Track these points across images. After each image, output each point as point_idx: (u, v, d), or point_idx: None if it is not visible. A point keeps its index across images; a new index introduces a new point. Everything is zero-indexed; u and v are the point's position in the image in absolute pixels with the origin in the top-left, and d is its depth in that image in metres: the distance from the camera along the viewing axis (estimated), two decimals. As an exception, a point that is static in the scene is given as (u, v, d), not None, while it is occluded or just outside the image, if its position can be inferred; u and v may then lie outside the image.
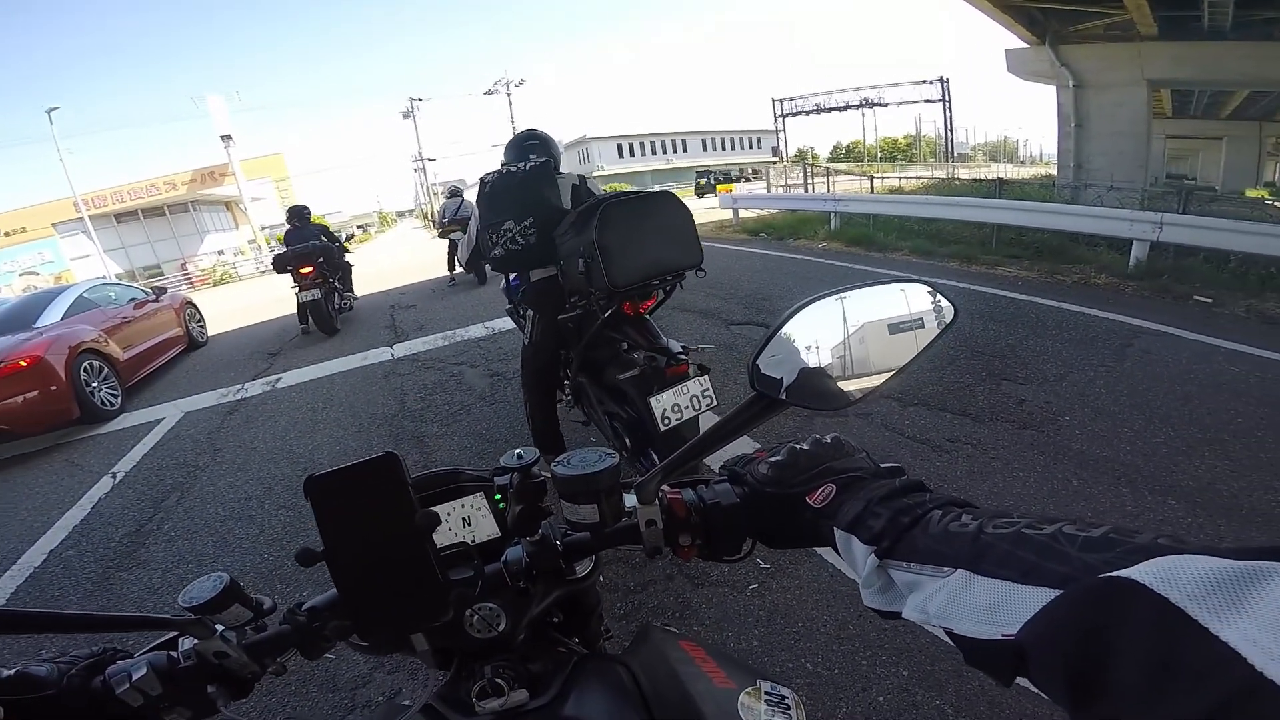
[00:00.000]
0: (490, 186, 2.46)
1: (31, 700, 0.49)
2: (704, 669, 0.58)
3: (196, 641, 0.55)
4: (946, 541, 0.37)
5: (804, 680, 1.70)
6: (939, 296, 0.51)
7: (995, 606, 0.31)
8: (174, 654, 0.55)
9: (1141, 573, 0.25)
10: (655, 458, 2.36)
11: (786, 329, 0.47)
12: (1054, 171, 15.44)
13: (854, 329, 0.49)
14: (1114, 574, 0.27)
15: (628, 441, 2.47)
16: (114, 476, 3.97)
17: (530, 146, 2.62)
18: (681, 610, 2.01)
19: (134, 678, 0.52)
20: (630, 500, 0.59)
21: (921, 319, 0.51)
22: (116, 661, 0.55)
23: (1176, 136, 12.19)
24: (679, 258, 2.27)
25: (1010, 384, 3.46)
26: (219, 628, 0.55)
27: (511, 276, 3.02)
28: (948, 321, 0.51)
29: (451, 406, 4.17)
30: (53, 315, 5.73)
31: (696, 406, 2.23)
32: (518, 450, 0.63)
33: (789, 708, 0.54)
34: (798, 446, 0.55)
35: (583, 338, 2.43)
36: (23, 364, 4.75)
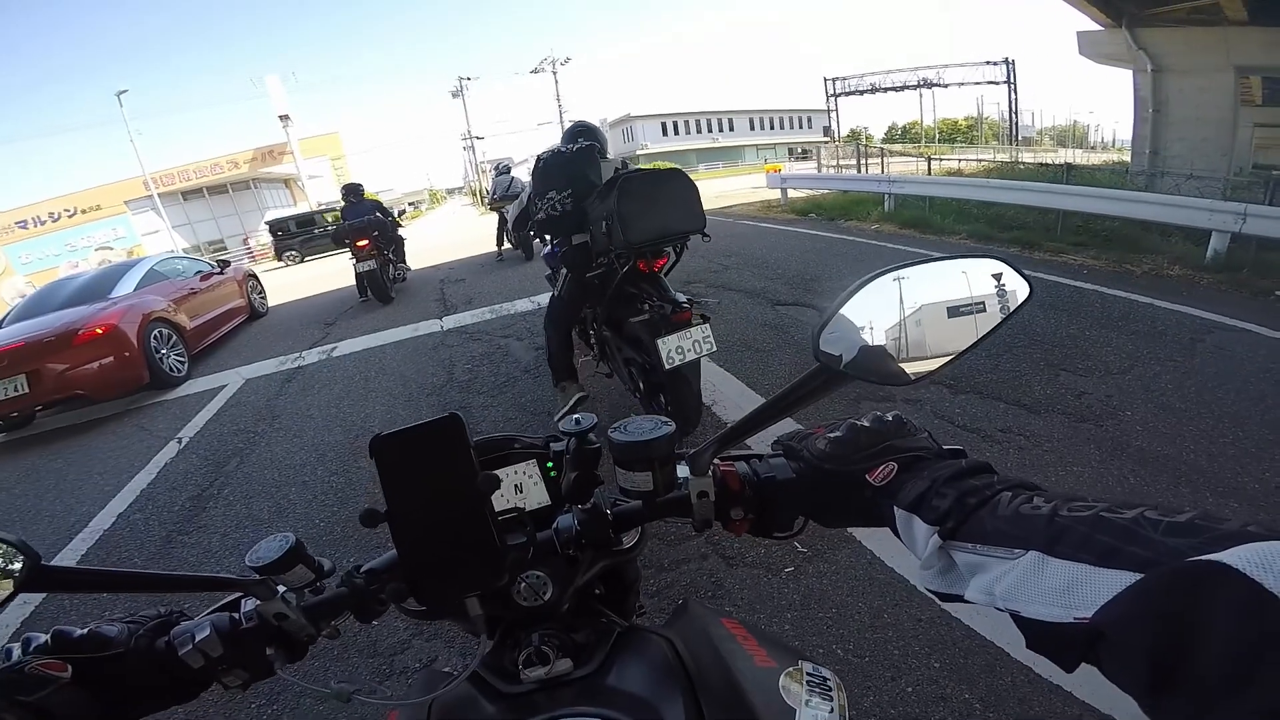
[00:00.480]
0: (543, 162, 3.00)
1: (100, 659, 0.51)
2: (745, 646, 0.58)
3: (258, 603, 0.56)
4: (1017, 523, 0.36)
5: (834, 666, 1.68)
6: (1010, 274, 0.49)
7: (1069, 589, 0.31)
8: (235, 615, 0.57)
9: (1234, 557, 0.25)
10: (664, 399, 2.78)
11: (847, 307, 0.45)
12: (1127, 158, 14.64)
13: (912, 310, 0.47)
14: (1204, 557, 0.26)
15: (641, 385, 2.95)
16: (179, 441, 4.20)
17: (580, 133, 3.11)
18: (715, 590, 2.02)
19: (197, 639, 0.54)
20: (683, 471, 0.58)
21: (984, 303, 0.48)
22: (179, 624, 0.57)
23: (1267, 125, 11.29)
24: (684, 223, 2.68)
25: (1069, 375, 3.32)
26: (281, 589, 0.56)
27: (554, 244, 3.41)
28: (1018, 302, 0.48)
29: (498, 378, 4.26)
30: (126, 286, 6.06)
31: (698, 350, 2.57)
32: (575, 415, 0.62)
33: (830, 690, 0.54)
34: (859, 423, 0.54)
35: (606, 292, 2.82)
36: (99, 331, 5.06)
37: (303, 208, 31.81)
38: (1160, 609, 0.26)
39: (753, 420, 0.52)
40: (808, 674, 0.55)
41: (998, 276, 0.49)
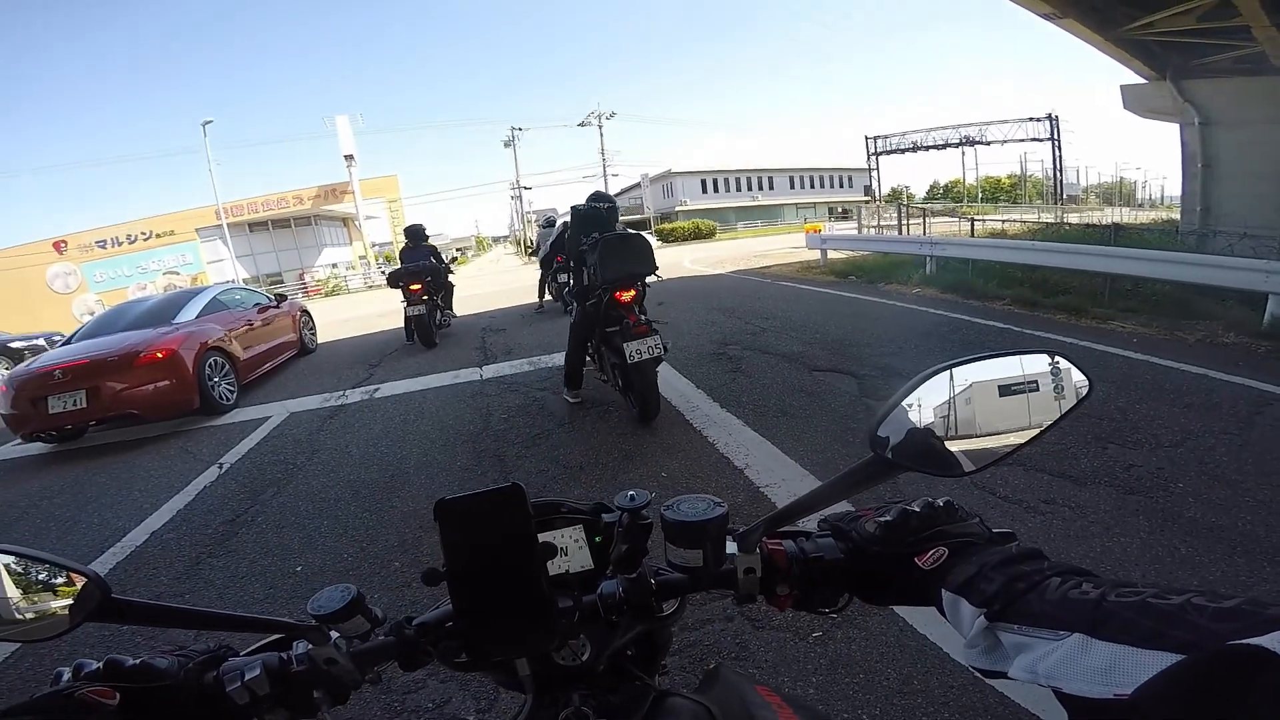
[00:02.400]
0: (584, 213, 4.52)
1: (148, 690, 0.52)
2: (780, 716, 0.58)
3: (310, 646, 0.57)
4: (1065, 607, 0.37)
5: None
6: (1069, 366, 0.49)
7: (1111, 669, 0.31)
8: (284, 656, 0.58)
9: (1273, 641, 0.25)
10: (631, 398, 4.07)
11: (907, 400, 0.46)
12: (1177, 216, 14.24)
13: (961, 389, 0.47)
14: (1243, 641, 0.26)
15: (620, 381, 4.18)
16: (220, 467, 4.34)
17: (603, 197, 4.73)
18: (739, 652, 1.97)
19: (246, 677, 0.55)
20: (730, 547, 0.60)
21: (1036, 382, 0.49)
22: (229, 659, 0.58)
23: None
24: (641, 267, 4.02)
25: (1118, 448, 3.20)
26: (334, 634, 0.58)
27: (567, 291, 5.13)
28: (1079, 396, 0.48)
29: (532, 430, 4.30)
30: (189, 313, 6.39)
31: (652, 351, 3.77)
32: (630, 492, 0.64)
33: None
34: (909, 508, 0.55)
35: (599, 315, 4.02)
36: (159, 355, 5.35)
37: (358, 248, 33.18)
38: (1198, 690, 0.27)
39: (804, 504, 0.53)
40: None
41: (1054, 366, 0.49)
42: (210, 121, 28.68)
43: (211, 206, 28.46)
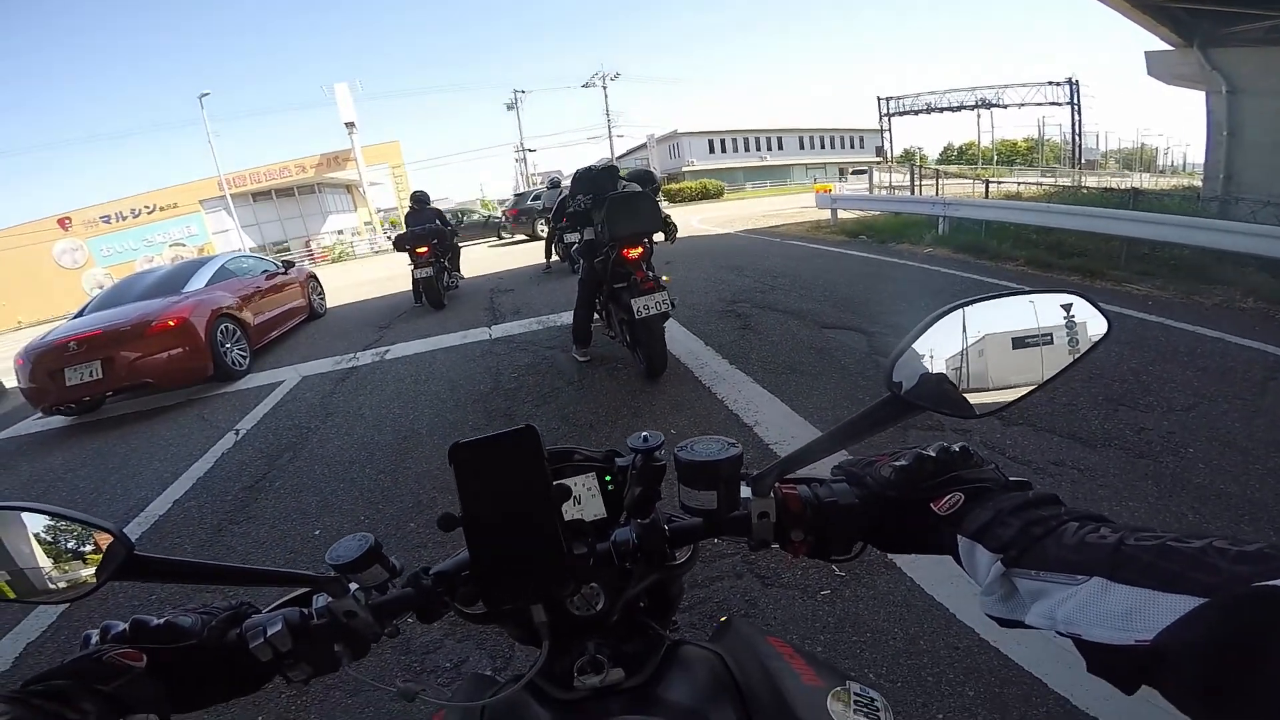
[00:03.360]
0: (578, 175, 4.67)
1: (175, 649, 0.52)
2: (793, 665, 0.58)
3: (330, 600, 0.57)
4: (1081, 551, 0.36)
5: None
6: (1084, 306, 0.48)
7: (1131, 613, 0.31)
8: (306, 611, 0.58)
9: None
10: (639, 354, 4.16)
11: (921, 340, 0.45)
12: (1198, 182, 13.96)
13: (974, 340, 0.46)
14: (1269, 583, 0.26)
15: (628, 337, 4.29)
16: (237, 433, 4.40)
17: (605, 163, 4.75)
18: (748, 609, 2.01)
19: (269, 632, 0.55)
20: (745, 492, 0.59)
21: (1050, 334, 0.48)
22: (251, 616, 0.58)
23: None
24: (647, 225, 4.06)
25: (1129, 410, 3.18)
26: (353, 587, 0.58)
27: (574, 249, 5.19)
28: (1095, 337, 0.48)
29: (542, 388, 4.34)
30: (198, 282, 6.43)
31: (660, 307, 3.82)
32: (644, 433, 0.63)
33: (878, 710, 0.54)
34: (924, 452, 0.54)
35: (607, 272, 4.04)
36: (171, 324, 5.39)
37: (363, 214, 33.01)
38: (1222, 632, 0.27)
39: (819, 446, 0.53)
40: (855, 694, 0.55)
41: (1068, 309, 0.48)
42: (207, 94, 28.57)
43: (214, 178, 28.36)
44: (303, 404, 4.84)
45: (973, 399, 0.46)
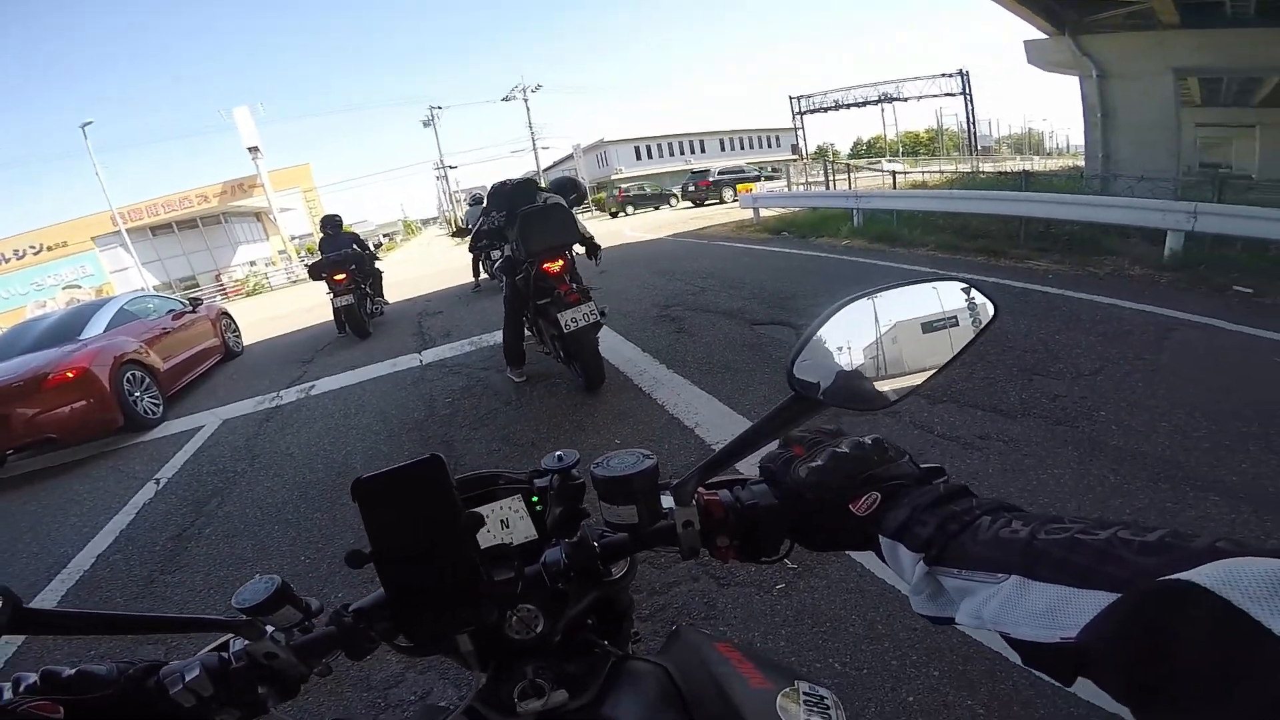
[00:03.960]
0: (492, 190, 4.69)
1: (90, 700, 0.51)
2: (740, 670, 0.58)
3: (247, 643, 0.56)
4: (998, 547, 0.37)
5: (832, 680, 1.69)
6: (977, 294, 0.50)
7: (1053, 610, 0.32)
8: (225, 655, 0.57)
9: (1201, 575, 0.26)
10: (575, 367, 4.09)
11: (821, 332, 0.46)
12: (1081, 163, 15.07)
13: (887, 329, 0.47)
14: (1174, 577, 0.27)
15: (561, 352, 4.17)
16: (157, 482, 4.11)
17: (524, 179, 4.67)
18: (708, 611, 2.02)
19: (187, 679, 0.54)
20: (668, 501, 0.58)
21: (956, 317, 0.49)
22: (168, 664, 0.56)
23: (1208, 125, 11.65)
24: (563, 237, 3.96)
25: (1043, 379, 3.39)
26: (269, 629, 0.56)
27: (495, 265, 5.09)
28: (986, 320, 0.49)
29: (479, 411, 4.23)
30: (96, 327, 5.94)
31: (587, 319, 3.76)
32: (558, 452, 0.63)
33: (828, 708, 0.54)
34: (838, 450, 0.53)
35: (530, 289, 3.97)
36: (70, 375, 4.95)
37: (276, 242, 31.49)
38: (1137, 627, 0.27)
39: (731, 451, 0.52)
40: (804, 693, 0.55)
41: (967, 293, 0.50)
42: (90, 123, 26.42)
43: (106, 213, 26.39)
44: (226, 448, 4.55)
45: (885, 386, 0.47)
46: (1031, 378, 3.42)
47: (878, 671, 1.70)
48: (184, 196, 28.75)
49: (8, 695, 0.50)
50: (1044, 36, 12.89)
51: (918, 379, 0.48)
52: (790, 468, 0.56)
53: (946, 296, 0.50)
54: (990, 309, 0.49)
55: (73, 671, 0.51)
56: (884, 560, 0.47)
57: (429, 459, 0.55)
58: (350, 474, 3.63)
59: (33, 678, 0.51)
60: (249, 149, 28.23)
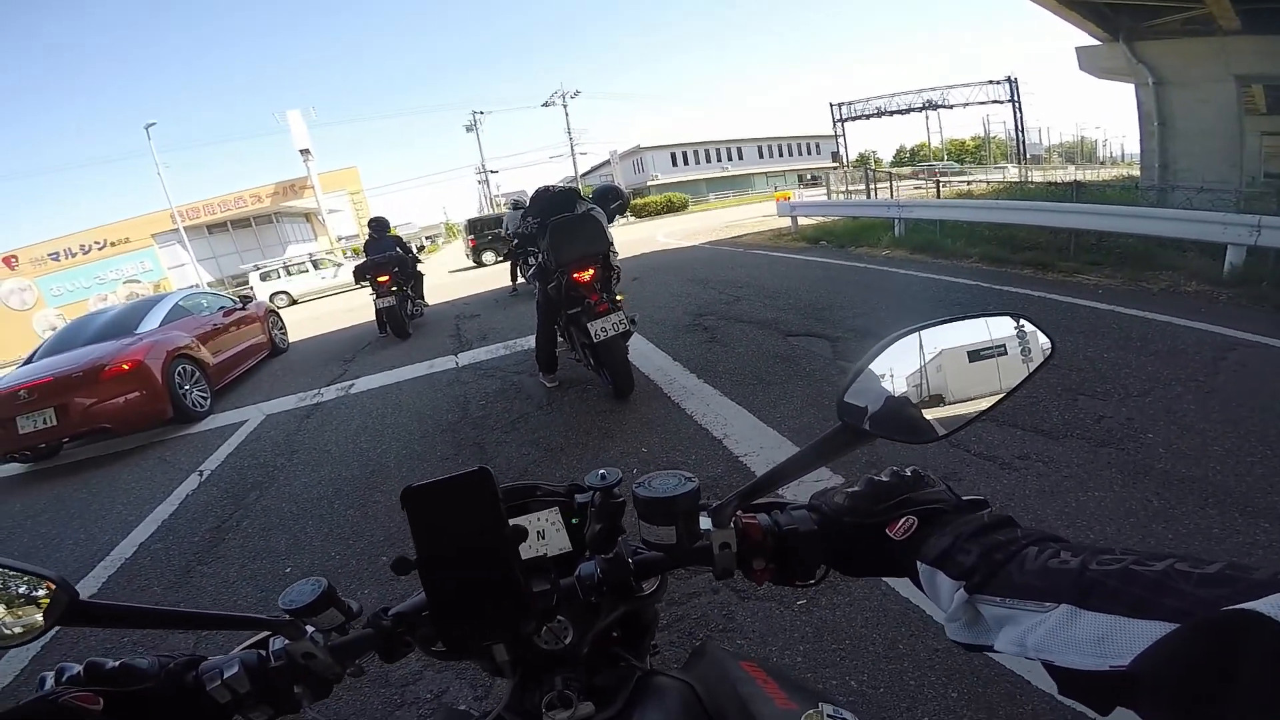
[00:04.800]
0: (536, 193, 4.67)
1: (129, 693, 0.52)
2: (765, 689, 0.58)
3: (287, 642, 0.58)
4: (1046, 577, 0.37)
5: (848, 698, 1.66)
6: (1031, 328, 0.49)
7: (1104, 639, 0.31)
8: (264, 653, 0.58)
9: (1266, 605, 0.25)
10: (605, 375, 4.11)
11: (873, 365, 0.46)
12: (1136, 172, 14.52)
13: (932, 357, 0.47)
14: (1238, 607, 0.26)
15: (591, 360, 4.22)
16: (201, 474, 4.28)
17: (567, 184, 4.80)
18: (726, 624, 2.00)
19: (225, 675, 0.55)
20: (705, 523, 0.59)
21: (1004, 346, 0.49)
22: (207, 659, 0.58)
23: (1274, 133, 11.14)
24: (593, 246, 3.96)
25: (1088, 399, 3.26)
26: (309, 629, 0.58)
27: (530, 271, 4.99)
28: (1043, 357, 0.48)
29: (511, 414, 4.29)
30: (152, 322, 6.24)
31: (616, 328, 3.80)
32: (601, 471, 0.64)
33: None
34: (876, 477, 0.55)
35: (561, 297, 3.99)
36: (125, 367, 5.22)
37: (323, 242, 32.48)
38: (1196, 657, 0.27)
39: (775, 475, 0.53)
40: (828, 715, 0.54)
41: (1019, 329, 0.49)
42: (154, 124, 28.12)
43: (166, 211, 27.74)
44: (267, 442, 4.71)
45: (933, 414, 0.47)
46: (1076, 398, 3.29)
47: (895, 691, 1.66)
48: (238, 196, 29.93)
49: (50, 684, 0.51)
50: (1096, 43, 12.47)
51: (965, 408, 0.48)
52: (828, 495, 0.58)
53: (996, 328, 0.49)
54: (1048, 345, 0.49)
55: (116, 664, 0.53)
56: (920, 587, 0.47)
57: (477, 471, 0.56)
58: (384, 473, 3.82)
59: (76, 668, 0.52)
60: (300, 151, 29.27)
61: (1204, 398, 3.14)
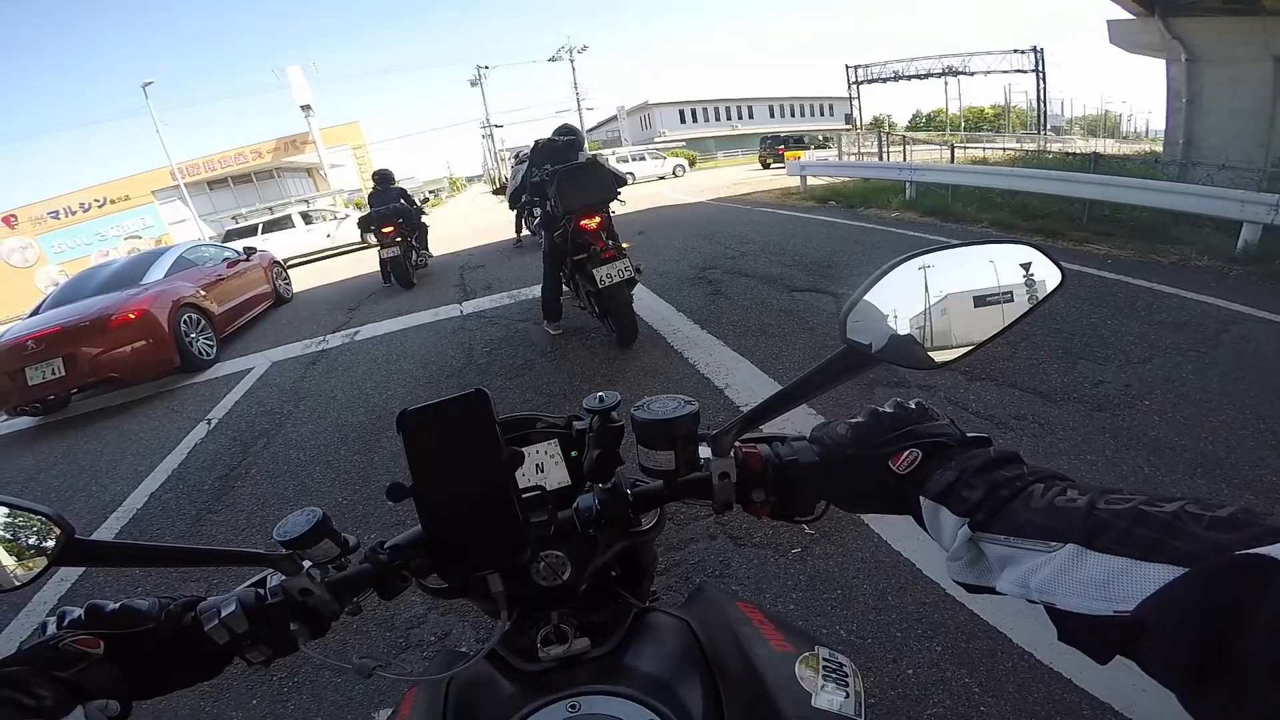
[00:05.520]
0: (541, 145, 4.68)
1: (128, 634, 0.51)
2: (762, 630, 0.58)
3: (284, 578, 0.56)
4: (1053, 515, 0.36)
5: (835, 647, 1.71)
6: (1041, 258, 0.47)
7: (1110, 582, 0.31)
8: (261, 591, 0.57)
9: None
10: (609, 323, 4.16)
11: (875, 289, 0.44)
12: (1159, 148, 14.24)
13: (938, 298, 0.45)
14: (1253, 551, 0.26)
15: (595, 308, 4.23)
16: (209, 423, 4.33)
17: (567, 130, 4.82)
18: (721, 570, 2.06)
19: (223, 614, 0.54)
20: (705, 452, 0.58)
21: (1011, 292, 0.47)
22: (206, 599, 0.57)
23: None
24: (600, 194, 4.02)
25: (1088, 364, 3.27)
26: (306, 564, 0.57)
27: (536, 222, 5.14)
28: (1051, 288, 0.46)
29: (515, 361, 4.34)
30: (156, 273, 6.25)
31: (621, 274, 3.82)
32: (600, 394, 0.63)
33: (845, 676, 0.54)
34: (879, 409, 0.53)
35: (567, 245, 4.03)
36: (131, 316, 5.24)
37: (325, 197, 32.17)
38: (1207, 601, 0.26)
39: (776, 402, 0.52)
40: (824, 659, 0.55)
41: (1026, 265, 0.47)
42: (151, 83, 27.46)
43: (166, 168, 27.41)
44: (274, 389, 4.77)
45: (936, 354, 0.46)
46: (1076, 362, 3.31)
47: (881, 642, 1.72)
48: (239, 152, 29.49)
49: (51, 629, 0.50)
50: (1129, 17, 12.07)
51: (964, 349, 0.47)
52: (831, 428, 0.56)
53: (1004, 266, 0.47)
54: (1056, 276, 0.47)
55: (116, 606, 0.53)
56: (921, 524, 0.46)
57: (474, 393, 0.55)
58: (389, 418, 3.69)
59: (77, 612, 0.52)
60: (302, 107, 28.72)
61: (1203, 369, 3.14)
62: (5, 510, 0.49)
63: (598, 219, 3.96)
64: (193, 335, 5.81)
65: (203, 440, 4.04)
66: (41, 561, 0.49)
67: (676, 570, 2.08)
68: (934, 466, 0.46)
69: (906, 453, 0.48)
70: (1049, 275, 0.47)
